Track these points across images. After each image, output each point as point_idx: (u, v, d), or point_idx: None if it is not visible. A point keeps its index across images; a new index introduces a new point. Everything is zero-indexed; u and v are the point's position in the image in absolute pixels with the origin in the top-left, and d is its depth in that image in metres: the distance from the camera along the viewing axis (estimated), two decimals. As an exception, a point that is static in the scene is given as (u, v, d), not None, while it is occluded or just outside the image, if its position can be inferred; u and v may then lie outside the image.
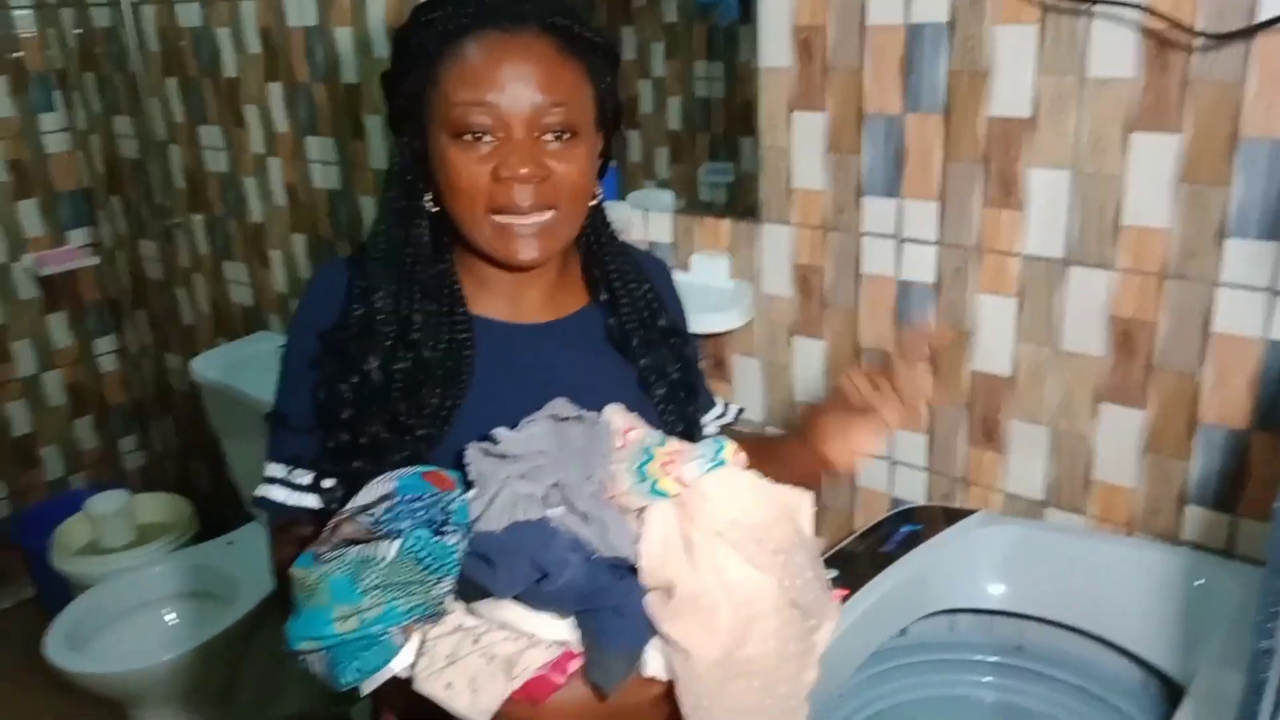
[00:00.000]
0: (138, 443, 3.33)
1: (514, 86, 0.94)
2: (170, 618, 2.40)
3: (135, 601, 2.38)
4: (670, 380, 1.13)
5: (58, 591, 2.62)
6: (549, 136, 0.96)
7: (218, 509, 2.90)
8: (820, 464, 1.14)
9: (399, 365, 0.99)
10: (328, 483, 1.00)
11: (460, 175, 0.96)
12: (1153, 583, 1.26)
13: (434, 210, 1.03)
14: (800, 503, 0.92)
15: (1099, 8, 1.18)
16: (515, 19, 0.96)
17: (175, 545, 2.63)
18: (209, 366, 2.37)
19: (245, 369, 2.31)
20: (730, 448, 0.93)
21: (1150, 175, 1.21)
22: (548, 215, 0.98)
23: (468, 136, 0.95)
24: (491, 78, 0.94)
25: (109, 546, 2.68)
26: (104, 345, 3.18)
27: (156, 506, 2.85)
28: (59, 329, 3.07)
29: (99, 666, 2.14)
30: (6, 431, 2.99)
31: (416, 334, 1.00)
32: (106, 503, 2.70)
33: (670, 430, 1.12)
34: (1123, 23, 1.18)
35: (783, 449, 1.20)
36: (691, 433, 1.17)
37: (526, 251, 0.99)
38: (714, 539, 0.89)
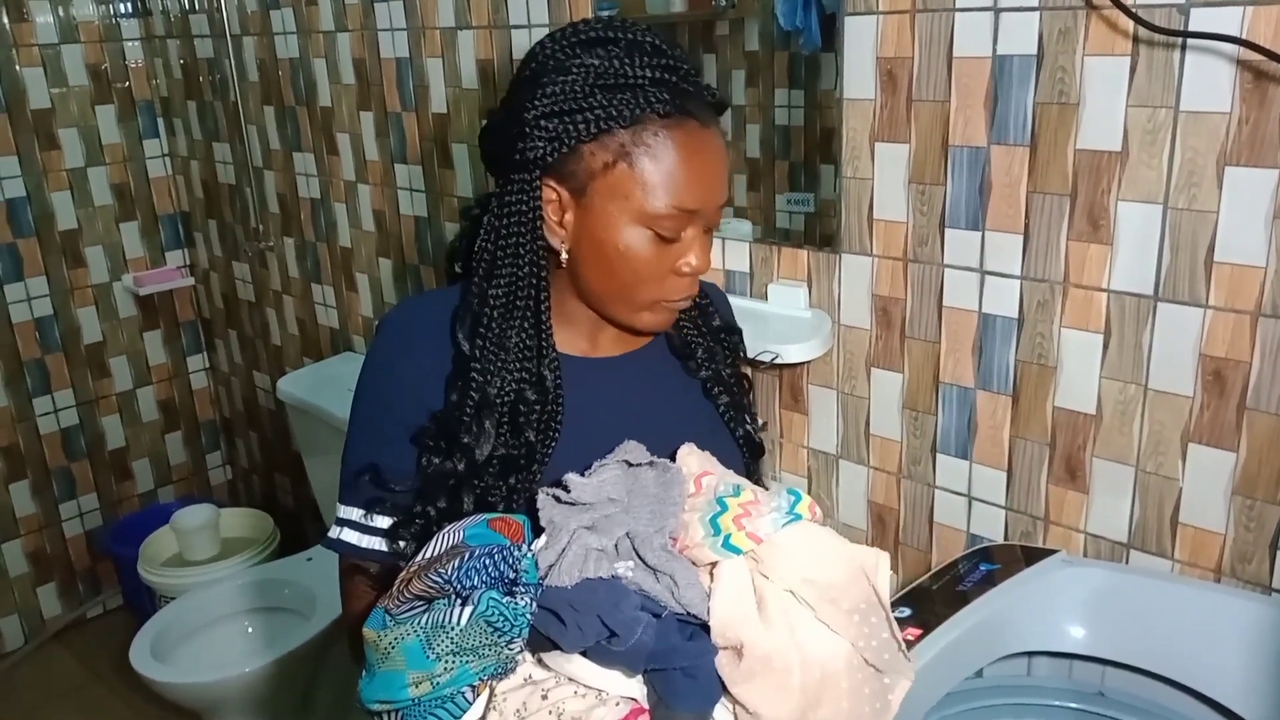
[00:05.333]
0: (224, 458, 3.42)
1: (709, 193, 0.96)
2: (250, 630, 2.46)
3: (217, 614, 2.44)
4: (726, 384, 1.14)
5: (146, 600, 2.70)
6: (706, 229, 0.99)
7: (299, 525, 2.97)
8: None
9: (499, 452, 0.99)
10: (411, 529, 1.01)
11: (647, 264, 0.97)
12: (1242, 631, 1.21)
13: (564, 259, 1.00)
14: (877, 562, 0.89)
15: (1194, 40, 1.16)
16: (709, 113, 0.96)
17: (257, 560, 2.69)
18: (294, 385, 2.44)
19: (328, 389, 2.37)
20: (806, 502, 0.91)
21: (1245, 211, 1.18)
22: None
23: (664, 233, 0.95)
24: (698, 185, 0.94)
25: (194, 559, 2.76)
26: (196, 363, 3.30)
27: (240, 521, 2.93)
28: (154, 347, 3.18)
29: (181, 676, 2.20)
30: (102, 444, 3.11)
31: (522, 419, 0.99)
32: (193, 517, 2.78)
33: (733, 433, 1.13)
34: (1218, 55, 1.15)
35: None
36: (750, 437, 1.17)
37: (665, 326, 1.04)
38: (787, 597, 0.88)
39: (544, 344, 1.01)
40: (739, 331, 1.21)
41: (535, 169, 0.96)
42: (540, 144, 0.94)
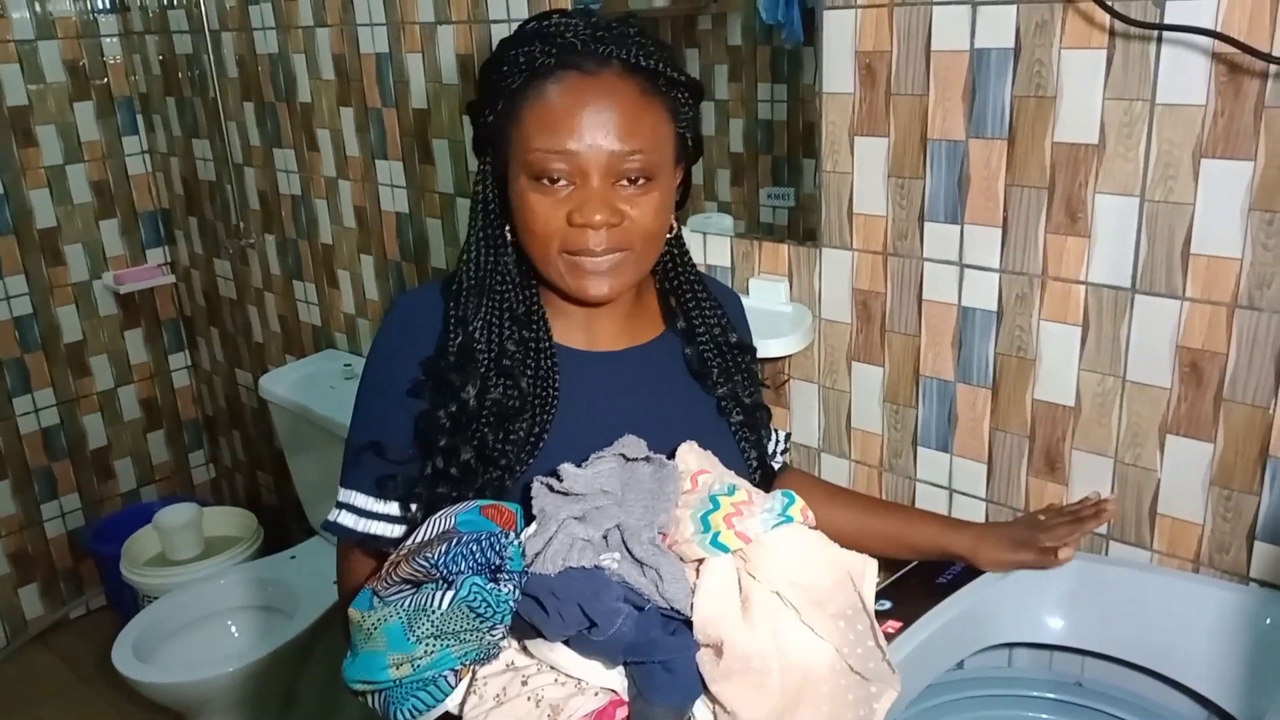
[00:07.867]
0: (207, 457, 3.41)
1: (592, 134, 0.94)
2: (234, 630, 2.45)
3: (200, 613, 2.43)
4: (745, 406, 1.14)
5: (129, 599, 2.69)
6: (625, 181, 0.97)
7: (282, 523, 2.96)
8: (957, 551, 1.26)
9: (492, 395, 1.00)
10: (412, 507, 1.02)
11: (536, 217, 0.97)
12: (1220, 620, 1.22)
13: (512, 240, 1.04)
14: (865, 569, 0.89)
15: (1169, 33, 1.17)
16: (598, 61, 0.95)
17: (240, 558, 2.68)
18: (276, 383, 2.43)
19: (311, 386, 2.36)
20: (799, 505, 0.91)
21: (1221, 203, 1.18)
22: (620, 255, 0.99)
23: (545, 181, 0.96)
24: (571, 124, 0.94)
25: (177, 558, 2.74)
26: (177, 361, 3.28)
27: (223, 520, 2.91)
28: (135, 345, 3.16)
29: (164, 676, 2.19)
30: (83, 443, 3.09)
31: (508, 362, 1.01)
32: (175, 515, 2.77)
33: (745, 455, 1.13)
34: (1193, 48, 1.16)
35: (912, 515, 1.36)
36: (763, 458, 1.17)
37: (597, 288, 1.00)
38: (772, 598, 0.88)
39: (535, 317, 1.05)
40: (752, 350, 1.21)
41: (483, 154, 1.05)
42: (475, 129, 1.04)
